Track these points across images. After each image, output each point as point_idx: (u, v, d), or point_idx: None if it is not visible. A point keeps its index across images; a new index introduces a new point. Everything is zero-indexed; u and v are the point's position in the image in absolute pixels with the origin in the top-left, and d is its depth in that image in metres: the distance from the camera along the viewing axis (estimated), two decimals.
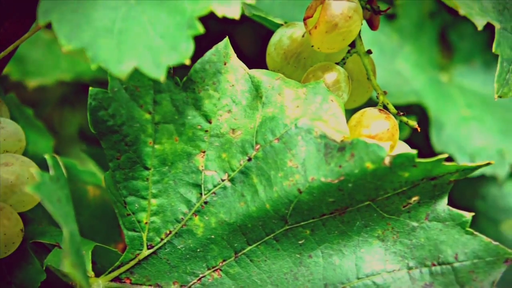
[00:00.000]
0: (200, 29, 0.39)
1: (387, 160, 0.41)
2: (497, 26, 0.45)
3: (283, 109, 0.44)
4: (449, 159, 0.64)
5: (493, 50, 0.45)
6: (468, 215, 0.44)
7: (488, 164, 0.43)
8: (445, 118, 0.65)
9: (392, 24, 0.67)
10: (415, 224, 0.44)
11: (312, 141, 0.43)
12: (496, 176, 0.62)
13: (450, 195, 0.65)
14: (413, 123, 0.49)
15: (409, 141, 0.61)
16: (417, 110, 0.65)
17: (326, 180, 0.42)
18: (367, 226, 0.44)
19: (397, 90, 0.63)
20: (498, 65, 0.46)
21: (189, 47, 0.39)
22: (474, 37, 0.70)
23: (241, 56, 0.47)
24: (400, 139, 0.50)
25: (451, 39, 0.72)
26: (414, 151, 0.41)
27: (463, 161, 0.63)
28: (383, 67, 0.65)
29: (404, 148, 0.48)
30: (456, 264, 0.44)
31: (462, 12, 0.43)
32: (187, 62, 0.39)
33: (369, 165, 0.41)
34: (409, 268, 0.44)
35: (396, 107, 0.49)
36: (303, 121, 0.43)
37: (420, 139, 0.66)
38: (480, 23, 0.44)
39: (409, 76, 0.66)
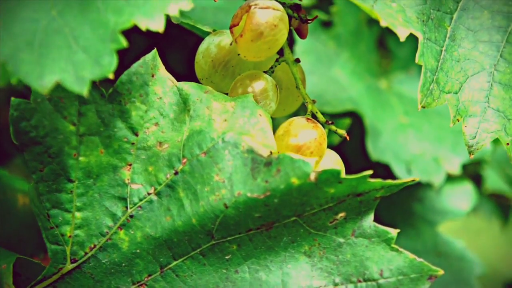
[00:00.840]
0: (124, 42, 0.38)
1: (312, 176, 0.41)
2: (420, 37, 0.46)
3: (210, 122, 0.44)
4: (385, 167, 0.65)
5: (416, 60, 0.46)
6: (393, 232, 0.44)
7: (413, 181, 0.43)
8: (382, 125, 0.65)
9: (328, 31, 0.67)
10: (341, 240, 0.44)
11: (239, 155, 0.42)
12: (431, 184, 0.63)
13: (386, 198, 0.66)
14: (342, 132, 0.49)
15: (346, 149, 0.62)
16: (357, 118, 0.66)
17: (252, 195, 0.42)
18: (294, 241, 0.44)
19: (333, 98, 0.63)
20: (422, 75, 0.46)
21: (112, 61, 0.38)
22: (411, 45, 0.70)
23: (171, 67, 0.46)
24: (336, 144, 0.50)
25: (389, 46, 0.73)
26: (339, 168, 0.41)
27: (399, 169, 0.63)
28: (320, 74, 0.65)
29: (332, 159, 0.48)
30: (381, 281, 0.44)
31: (383, 23, 0.44)
32: (111, 76, 0.38)
33: (294, 181, 0.41)
34: (335, 285, 0.44)
35: (334, 115, 0.49)
36: (230, 135, 0.43)
37: (358, 145, 0.67)
38: (402, 34, 0.44)
39: (346, 83, 0.66)
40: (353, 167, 0.59)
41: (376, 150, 0.63)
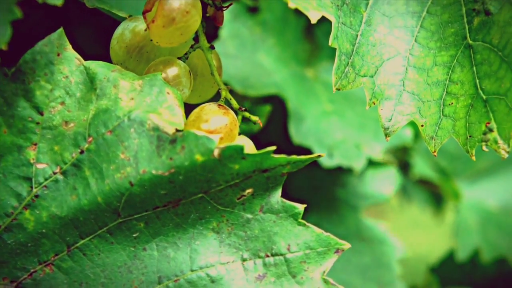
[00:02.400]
0: (18, 13, 0.38)
1: (216, 152, 0.41)
2: (333, 20, 0.46)
3: (117, 101, 0.44)
4: (308, 152, 0.65)
5: (330, 43, 0.46)
6: (300, 207, 0.44)
7: (319, 156, 0.44)
8: (306, 111, 0.66)
9: (255, 17, 0.67)
10: (249, 216, 0.44)
11: (145, 133, 0.42)
12: (352, 169, 0.64)
13: (310, 183, 0.66)
14: (255, 118, 0.50)
15: (270, 134, 0.62)
16: (281, 103, 0.66)
17: (157, 172, 0.42)
18: (202, 218, 0.44)
19: (257, 81, 0.64)
20: (336, 58, 0.47)
21: (7, 32, 0.38)
22: None
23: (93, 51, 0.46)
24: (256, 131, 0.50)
25: (317, 36, 0.74)
26: (243, 144, 0.41)
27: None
28: (244, 59, 0.65)
29: (245, 143, 0.48)
30: (289, 255, 0.44)
31: (291, 5, 0.44)
32: (4, 47, 0.38)
33: (198, 157, 0.41)
34: (243, 260, 0.44)
35: (258, 100, 0.50)
36: (137, 113, 0.43)
37: (282, 131, 0.67)
38: (314, 17, 0.45)
39: (271, 68, 0.66)
40: (277, 152, 0.59)
41: (298, 134, 0.64)
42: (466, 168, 0.86)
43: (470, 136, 0.46)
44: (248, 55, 0.66)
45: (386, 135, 0.48)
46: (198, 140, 0.41)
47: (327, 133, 0.66)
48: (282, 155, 0.42)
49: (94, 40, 0.65)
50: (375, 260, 0.66)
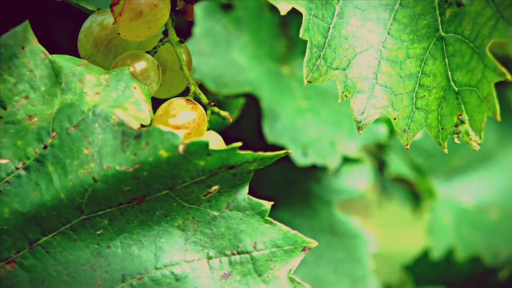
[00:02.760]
0: None
1: (180, 148, 0.40)
2: (304, 12, 0.46)
3: (82, 96, 0.43)
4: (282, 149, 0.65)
5: (300, 35, 0.46)
6: (267, 205, 0.44)
7: (286, 153, 0.43)
8: (281, 109, 0.66)
9: (228, 14, 0.67)
10: (216, 213, 0.44)
11: (109, 128, 0.42)
12: (327, 167, 0.64)
13: (284, 178, 0.66)
14: (225, 113, 0.49)
15: (244, 131, 0.62)
16: (256, 101, 0.66)
17: (121, 168, 0.41)
18: (167, 215, 0.44)
19: (231, 80, 0.63)
20: (307, 50, 0.47)
21: None
22: None
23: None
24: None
25: (292, 32, 0.73)
26: (208, 139, 0.41)
27: (295, 152, 0.63)
28: (218, 56, 0.65)
29: (213, 140, 0.48)
30: (255, 253, 0.44)
31: None
32: None
33: (163, 153, 0.40)
34: (209, 258, 0.44)
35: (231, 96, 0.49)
36: (102, 108, 0.42)
37: (255, 128, 0.67)
38: (283, 8, 0.45)
39: (245, 66, 0.66)
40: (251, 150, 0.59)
41: (272, 133, 0.63)
42: (441, 165, 0.86)
43: (442, 129, 0.46)
44: (222, 53, 0.65)
45: (359, 128, 0.48)
46: (163, 135, 0.41)
47: (302, 131, 0.66)
48: (249, 152, 0.42)
49: (72, 35, 0.64)
50: (348, 255, 0.65)
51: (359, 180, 0.67)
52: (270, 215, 0.44)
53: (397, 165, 0.81)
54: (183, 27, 0.66)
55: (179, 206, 0.43)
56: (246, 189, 0.44)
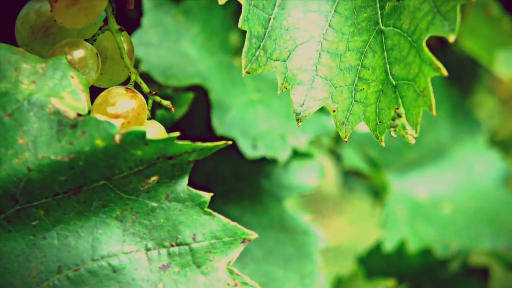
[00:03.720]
0: None
1: (117, 138, 0.40)
2: (243, 2, 0.46)
3: (17, 84, 0.42)
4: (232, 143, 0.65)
5: (239, 25, 0.46)
6: (207, 196, 0.44)
7: (225, 144, 0.43)
8: (231, 101, 0.65)
9: (178, 6, 0.66)
10: (154, 204, 0.43)
11: (45, 117, 0.41)
12: (277, 159, 0.63)
13: (234, 173, 0.66)
14: (167, 103, 0.49)
15: (193, 123, 0.61)
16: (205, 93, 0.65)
17: (56, 158, 0.40)
18: (105, 206, 0.43)
19: (180, 72, 0.63)
20: (246, 41, 0.46)
21: None
22: None
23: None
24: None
25: None
26: (144, 129, 0.40)
27: (244, 144, 0.63)
28: (167, 48, 0.64)
29: (154, 129, 0.47)
30: (194, 245, 0.43)
31: None
32: None
33: (99, 143, 0.40)
34: (147, 249, 0.43)
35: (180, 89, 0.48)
36: (37, 97, 0.41)
37: (205, 120, 0.66)
38: None
39: (195, 58, 0.65)
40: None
41: (222, 125, 0.63)
42: (396, 159, 0.87)
43: (380, 122, 0.46)
44: (171, 44, 0.64)
45: (298, 120, 0.48)
46: (99, 125, 0.40)
47: (252, 123, 0.65)
48: (187, 142, 0.41)
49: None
50: (298, 251, 0.65)
51: (310, 175, 0.67)
52: (219, 210, 0.44)
53: (352, 158, 0.81)
54: (133, 17, 0.65)
55: (117, 197, 0.43)
56: (185, 180, 0.43)
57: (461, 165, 0.90)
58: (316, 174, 0.67)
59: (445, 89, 0.89)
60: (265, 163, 0.66)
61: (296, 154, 0.67)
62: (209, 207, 0.43)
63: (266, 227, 0.66)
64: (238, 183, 0.67)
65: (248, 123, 0.65)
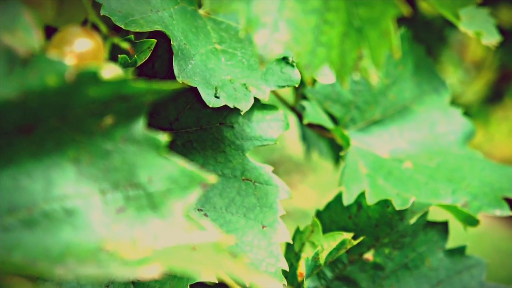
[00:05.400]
0: None
1: (69, 76, 0.39)
2: None
3: None
4: (195, 91, 0.64)
5: None
6: (164, 138, 0.43)
7: (182, 86, 0.42)
8: (194, 50, 0.64)
9: None
10: (109, 146, 0.42)
11: None
12: (239, 109, 0.63)
13: (197, 123, 0.65)
14: (126, 45, 0.48)
15: (156, 70, 0.60)
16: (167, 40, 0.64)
17: (6, 96, 0.39)
18: (58, 148, 0.42)
19: (142, 18, 0.61)
20: None
21: None
22: None
23: None
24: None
25: None
26: (97, 68, 0.39)
27: (206, 93, 0.62)
28: None
29: (111, 71, 0.46)
30: (150, 188, 0.43)
31: None
32: None
33: (50, 81, 0.39)
34: (102, 192, 0.43)
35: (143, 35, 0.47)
36: None
37: (168, 68, 0.65)
38: None
39: (158, 4, 0.64)
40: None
41: (183, 73, 0.62)
42: (358, 116, 0.87)
43: (343, 64, 0.46)
44: None
45: (261, 62, 0.47)
46: (51, 63, 0.39)
47: (215, 72, 0.64)
48: (142, 83, 0.41)
49: None
50: (260, 201, 0.65)
51: (272, 126, 0.66)
52: (183, 160, 0.43)
53: (314, 113, 0.81)
54: None
55: (71, 139, 0.42)
56: (141, 122, 0.43)
57: (424, 122, 0.90)
58: (279, 125, 0.66)
59: (410, 47, 0.89)
60: (229, 113, 0.66)
61: (260, 105, 0.67)
62: (172, 155, 0.42)
63: (228, 177, 0.66)
64: (201, 133, 0.66)
65: (210, 72, 0.64)
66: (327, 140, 1.10)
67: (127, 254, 0.41)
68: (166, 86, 0.41)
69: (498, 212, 0.79)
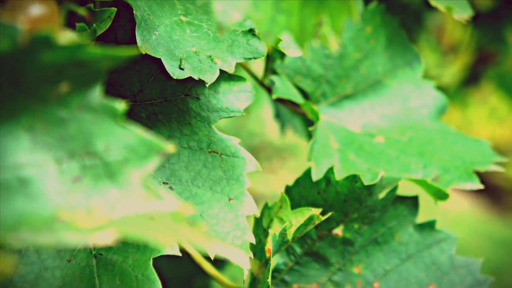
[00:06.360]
0: None
1: (22, 41, 0.37)
2: None
3: None
4: (159, 62, 0.63)
5: None
6: (120, 106, 0.42)
7: (141, 53, 0.41)
8: (158, 20, 0.63)
9: None
10: (65, 114, 0.41)
11: None
12: (204, 81, 0.62)
13: (162, 95, 0.64)
14: (83, 11, 0.46)
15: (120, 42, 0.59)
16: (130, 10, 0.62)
17: None
18: (11, 115, 0.41)
19: None
20: None
21: None
22: None
23: None
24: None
25: None
26: (50, 32, 0.38)
27: (170, 64, 0.61)
28: None
29: (66, 36, 0.45)
30: (107, 157, 0.42)
31: None
32: None
33: (2, 45, 0.37)
34: (58, 161, 0.42)
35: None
36: None
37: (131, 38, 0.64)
38: None
39: None
40: None
41: (147, 44, 0.60)
42: (329, 91, 0.86)
43: (303, 31, 0.45)
44: None
45: (220, 29, 0.46)
46: (2, 27, 0.37)
47: (180, 44, 0.63)
48: (98, 48, 0.39)
49: None
50: (226, 173, 0.64)
51: (239, 98, 0.65)
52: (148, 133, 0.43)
53: (284, 88, 0.80)
54: None
55: (25, 106, 0.41)
56: (98, 89, 0.42)
57: (397, 97, 0.90)
58: (246, 97, 0.66)
59: (382, 20, 0.88)
60: (194, 85, 0.65)
61: (227, 77, 0.66)
62: (130, 124, 0.42)
63: (195, 150, 0.65)
64: (166, 104, 0.65)
65: (175, 44, 0.63)
66: (301, 117, 1.10)
67: (82, 223, 0.40)
68: (123, 52, 0.40)
69: (468, 186, 0.79)
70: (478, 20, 1.90)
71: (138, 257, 0.58)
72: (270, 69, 0.83)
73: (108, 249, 0.59)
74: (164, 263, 0.97)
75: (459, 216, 3.70)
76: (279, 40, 0.64)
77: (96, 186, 0.42)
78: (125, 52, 0.40)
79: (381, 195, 0.75)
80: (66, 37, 0.45)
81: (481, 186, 0.79)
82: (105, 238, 0.36)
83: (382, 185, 0.74)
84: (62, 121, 0.41)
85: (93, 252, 0.59)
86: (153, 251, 0.58)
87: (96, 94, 0.42)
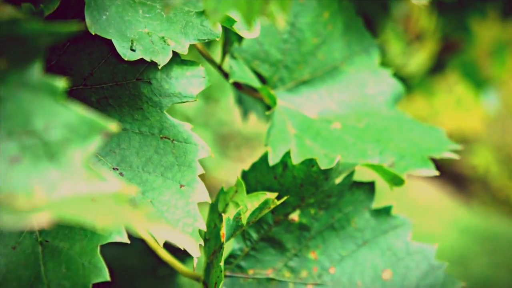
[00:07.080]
0: None
1: None
2: None
3: None
4: (110, 42, 0.61)
5: None
6: (61, 84, 0.40)
7: (82, 30, 0.40)
8: (109, 1, 0.61)
9: None
10: (3, 92, 0.40)
11: None
12: (156, 63, 0.60)
13: (113, 79, 0.62)
14: None
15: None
16: None
17: None
18: None
19: None
20: None
21: None
22: None
23: None
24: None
25: None
26: None
27: (121, 46, 0.60)
28: None
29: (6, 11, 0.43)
30: (46, 136, 0.40)
31: None
32: None
33: None
34: None
35: None
36: None
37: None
38: None
39: None
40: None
41: (96, 25, 0.59)
42: (287, 76, 0.85)
43: (250, 9, 0.44)
44: None
45: (166, 7, 0.45)
46: None
47: (131, 25, 0.62)
48: (36, 23, 0.38)
49: None
50: (178, 160, 0.63)
51: (192, 83, 0.64)
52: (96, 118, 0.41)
53: (241, 72, 0.79)
54: None
55: None
56: (37, 66, 0.40)
57: (354, 83, 0.90)
58: (199, 82, 0.64)
59: (339, 6, 0.88)
60: (146, 69, 0.63)
61: (179, 61, 0.64)
62: (74, 104, 0.40)
63: (146, 135, 0.64)
64: (117, 88, 0.64)
65: (126, 25, 0.61)
66: (264, 102, 1.09)
67: (21, 205, 0.38)
68: (63, 27, 0.39)
69: (424, 172, 0.79)
70: (442, 8, 1.92)
71: (85, 244, 0.56)
72: (227, 54, 0.82)
73: (55, 235, 0.57)
74: (128, 252, 0.95)
75: (426, 204, 3.74)
76: (229, 20, 0.63)
77: (35, 167, 0.40)
78: (65, 27, 0.39)
79: (338, 180, 0.75)
80: (4, 12, 0.43)
81: (436, 173, 0.79)
82: (40, 220, 0.35)
83: (338, 170, 0.74)
84: (0, 100, 0.40)
85: (39, 239, 0.58)
86: (101, 238, 0.56)
87: (35, 71, 0.40)
